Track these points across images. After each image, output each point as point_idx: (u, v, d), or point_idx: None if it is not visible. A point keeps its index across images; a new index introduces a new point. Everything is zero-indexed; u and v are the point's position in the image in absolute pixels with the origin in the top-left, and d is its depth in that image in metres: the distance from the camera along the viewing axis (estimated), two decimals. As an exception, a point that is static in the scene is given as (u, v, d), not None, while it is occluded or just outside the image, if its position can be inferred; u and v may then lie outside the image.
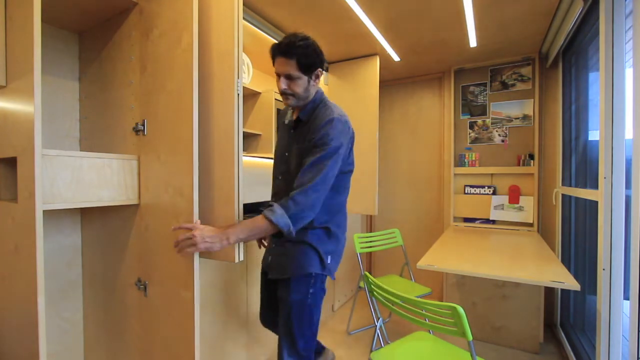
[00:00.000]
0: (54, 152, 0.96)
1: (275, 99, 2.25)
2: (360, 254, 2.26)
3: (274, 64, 1.17)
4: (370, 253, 3.35)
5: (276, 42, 1.15)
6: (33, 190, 0.95)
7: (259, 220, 1.05)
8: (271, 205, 1.06)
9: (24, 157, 0.99)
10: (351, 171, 1.26)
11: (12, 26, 1.05)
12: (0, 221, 1.12)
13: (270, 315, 1.35)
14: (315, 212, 1.10)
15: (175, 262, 1.07)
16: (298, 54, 1.10)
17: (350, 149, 1.22)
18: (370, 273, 2.97)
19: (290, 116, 1.27)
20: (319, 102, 1.21)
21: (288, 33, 1.17)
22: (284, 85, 1.15)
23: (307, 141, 1.14)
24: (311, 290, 1.18)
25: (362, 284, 2.23)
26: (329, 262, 1.22)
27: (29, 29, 0.96)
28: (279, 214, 1.04)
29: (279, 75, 1.15)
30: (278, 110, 2.25)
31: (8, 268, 1.09)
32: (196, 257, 1.03)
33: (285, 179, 1.25)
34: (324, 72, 1.17)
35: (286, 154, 1.27)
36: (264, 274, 1.36)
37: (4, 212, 1.10)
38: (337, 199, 1.24)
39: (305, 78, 1.14)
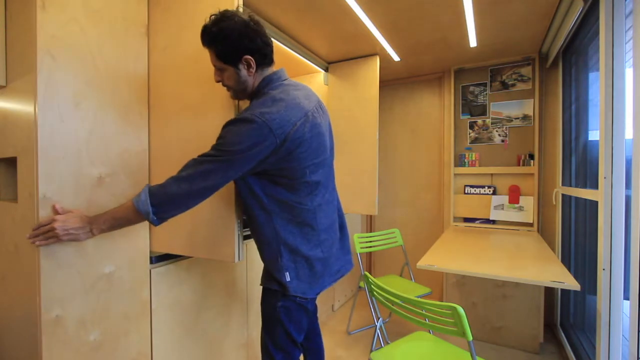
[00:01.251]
0: None
1: (275, 99, 2.25)
2: (360, 254, 2.26)
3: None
4: (370, 253, 3.35)
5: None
6: (33, 190, 0.95)
7: (126, 206, 0.95)
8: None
9: (24, 157, 0.99)
10: (307, 182, 1.05)
11: (12, 26, 1.05)
12: (0, 221, 1.12)
13: None
14: (179, 211, 0.97)
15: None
16: (215, 43, 0.98)
17: (285, 156, 0.97)
18: (370, 273, 2.97)
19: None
20: (260, 95, 1.04)
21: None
22: (217, 78, 1.04)
23: None
24: (280, 304, 1.06)
25: (362, 284, 2.23)
26: (287, 279, 1.05)
27: (29, 29, 0.96)
28: (142, 199, 0.92)
29: (215, 69, 1.05)
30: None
31: (8, 268, 1.09)
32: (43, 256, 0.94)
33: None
34: (260, 57, 1.02)
35: None
36: None
37: (4, 212, 1.10)
38: (295, 207, 1.05)
39: (231, 69, 1.01)
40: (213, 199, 1.15)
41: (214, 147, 0.95)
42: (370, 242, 2.41)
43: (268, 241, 1.07)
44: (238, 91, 1.06)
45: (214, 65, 1.03)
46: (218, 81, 1.05)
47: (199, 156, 0.96)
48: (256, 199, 1.05)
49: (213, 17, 0.99)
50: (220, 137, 0.96)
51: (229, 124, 0.95)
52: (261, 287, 1.14)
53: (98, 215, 0.97)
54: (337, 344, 2.17)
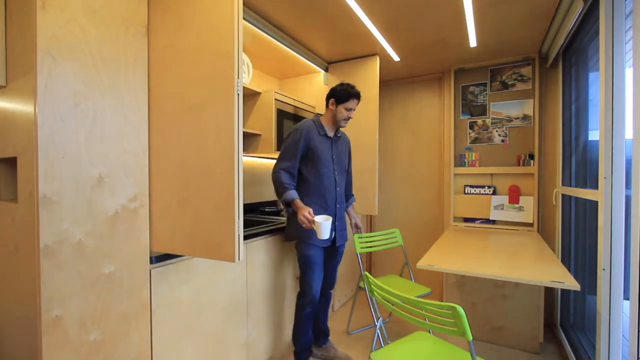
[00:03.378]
0: None
1: (275, 99, 2.26)
2: (360, 254, 2.26)
3: (346, 103, 1.79)
4: (370, 253, 3.35)
5: (353, 88, 1.80)
6: (33, 190, 0.95)
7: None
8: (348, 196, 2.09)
9: (24, 157, 0.99)
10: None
11: (12, 26, 1.05)
12: (0, 221, 1.12)
13: None
14: None
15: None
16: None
17: None
18: (370, 273, 2.97)
19: (327, 131, 1.86)
20: None
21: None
22: (351, 116, 1.86)
23: (345, 149, 2.00)
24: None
25: (362, 284, 2.23)
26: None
27: (29, 29, 0.96)
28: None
29: (351, 110, 1.82)
30: (279, 112, 2.25)
31: (8, 268, 1.09)
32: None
33: (341, 175, 1.92)
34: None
35: (334, 157, 1.88)
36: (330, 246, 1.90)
37: (4, 212, 1.10)
38: None
39: None
40: (213, 199, 1.15)
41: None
42: (370, 242, 2.40)
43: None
44: None
45: (353, 109, 1.83)
46: (350, 118, 1.86)
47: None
48: None
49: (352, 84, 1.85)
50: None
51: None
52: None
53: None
54: (337, 344, 2.17)
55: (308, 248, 1.79)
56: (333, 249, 1.93)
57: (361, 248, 2.29)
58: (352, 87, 1.81)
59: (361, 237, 2.33)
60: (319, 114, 1.92)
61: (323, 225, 1.58)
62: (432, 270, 1.74)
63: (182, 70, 1.21)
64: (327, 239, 1.78)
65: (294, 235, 1.83)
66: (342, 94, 1.80)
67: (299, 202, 1.72)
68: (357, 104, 1.84)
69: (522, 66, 2.58)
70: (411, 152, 3.17)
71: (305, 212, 1.64)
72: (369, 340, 2.23)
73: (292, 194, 1.74)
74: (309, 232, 1.76)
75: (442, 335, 1.83)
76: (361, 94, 1.87)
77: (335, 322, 2.50)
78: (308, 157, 1.81)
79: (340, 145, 1.95)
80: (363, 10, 1.86)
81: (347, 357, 1.95)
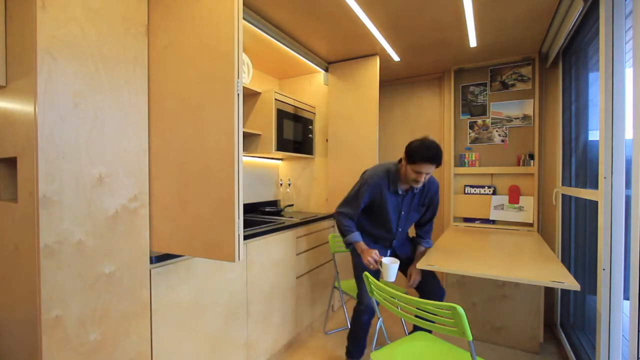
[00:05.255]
0: None
1: (275, 99, 2.26)
2: (334, 254, 2.23)
3: (415, 165, 1.60)
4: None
5: (428, 150, 1.56)
6: (33, 190, 0.95)
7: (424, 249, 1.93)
8: (421, 237, 1.97)
9: (24, 157, 0.99)
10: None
11: (12, 26, 1.05)
12: (0, 221, 1.12)
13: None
14: None
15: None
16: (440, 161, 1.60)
17: None
18: (370, 273, 2.95)
19: (399, 187, 1.78)
20: None
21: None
22: (421, 180, 1.64)
23: (425, 200, 1.88)
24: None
25: (336, 284, 2.23)
26: None
27: (29, 29, 0.96)
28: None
29: (421, 173, 1.61)
30: (279, 112, 2.24)
31: (8, 268, 1.09)
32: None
33: (408, 222, 1.90)
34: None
35: (402, 213, 1.84)
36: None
37: (4, 212, 1.10)
38: None
39: None
40: (213, 198, 1.15)
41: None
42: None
43: None
44: None
45: (428, 173, 1.63)
46: (423, 182, 1.67)
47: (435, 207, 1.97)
48: None
49: (436, 146, 1.59)
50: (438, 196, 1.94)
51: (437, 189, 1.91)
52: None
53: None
54: (337, 345, 2.17)
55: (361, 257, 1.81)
56: None
57: (336, 248, 2.22)
58: (428, 148, 1.57)
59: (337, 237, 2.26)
60: (393, 163, 1.82)
61: (390, 268, 1.59)
62: (432, 271, 1.74)
63: (182, 70, 1.21)
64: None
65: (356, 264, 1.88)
66: (412, 155, 1.60)
67: (362, 245, 1.77)
68: (433, 168, 1.59)
69: (522, 66, 2.58)
70: (411, 152, 3.17)
71: (372, 254, 1.68)
72: (369, 340, 2.23)
73: (355, 236, 1.80)
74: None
75: (442, 335, 1.83)
76: (439, 154, 1.57)
77: (336, 322, 2.50)
78: (372, 208, 1.83)
79: (418, 199, 1.84)
80: (363, 10, 1.86)
81: None
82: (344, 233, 1.83)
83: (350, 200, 1.83)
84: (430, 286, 1.84)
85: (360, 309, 1.79)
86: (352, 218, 1.83)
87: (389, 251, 1.96)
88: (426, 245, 1.94)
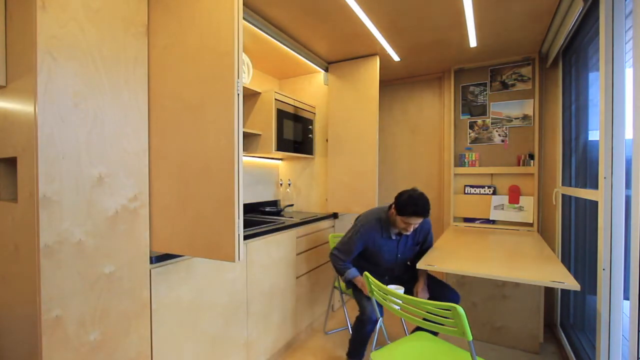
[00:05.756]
0: None
1: (275, 99, 2.25)
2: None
3: (404, 217, 1.67)
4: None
5: (416, 206, 1.62)
6: (33, 190, 0.95)
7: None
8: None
9: (24, 157, 0.99)
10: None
11: (12, 26, 1.05)
12: (0, 221, 1.12)
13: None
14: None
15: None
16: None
17: None
18: (370, 273, 2.95)
19: (392, 233, 1.84)
20: None
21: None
22: (410, 230, 1.73)
23: (420, 238, 1.94)
24: None
25: (336, 284, 2.26)
26: None
27: (29, 29, 0.96)
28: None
29: (411, 224, 1.69)
30: (279, 111, 2.25)
31: (8, 268, 1.09)
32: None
33: (404, 258, 1.95)
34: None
35: (398, 255, 1.90)
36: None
37: (4, 212, 1.10)
38: None
39: None
40: (213, 198, 1.15)
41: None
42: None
43: None
44: None
45: (412, 224, 1.70)
46: (411, 231, 1.75)
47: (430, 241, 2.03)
48: None
49: (423, 199, 1.66)
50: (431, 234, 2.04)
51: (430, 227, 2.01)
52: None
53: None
54: (337, 345, 2.17)
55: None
56: None
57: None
58: (416, 203, 1.63)
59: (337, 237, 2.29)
60: (384, 210, 1.88)
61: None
62: (432, 270, 1.74)
63: (182, 70, 1.21)
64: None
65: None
66: (401, 208, 1.69)
67: (361, 279, 1.82)
68: (421, 220, 1.68)
69: (522, 66, 2.58)
70: (411, 152, 3.17)
71: None
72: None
73: (352, 272, 1.85)
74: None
75: (442, 335, 1.83)
76: (426, 208, 1.64)
77: (336, 322, 2.50)
78: (367, 253, 1.90)
79: (412, 239, 1.91)
80: (363, 10, 1.86)
81: None
82: (340, 271, 1.89)
83: (345, 244, 1.89)
84: (445, 295, 1.85)
85: (363, 319, 1.78)
86: (345, 261, 1.89)
87: (386, 277, 2.01)
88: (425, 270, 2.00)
